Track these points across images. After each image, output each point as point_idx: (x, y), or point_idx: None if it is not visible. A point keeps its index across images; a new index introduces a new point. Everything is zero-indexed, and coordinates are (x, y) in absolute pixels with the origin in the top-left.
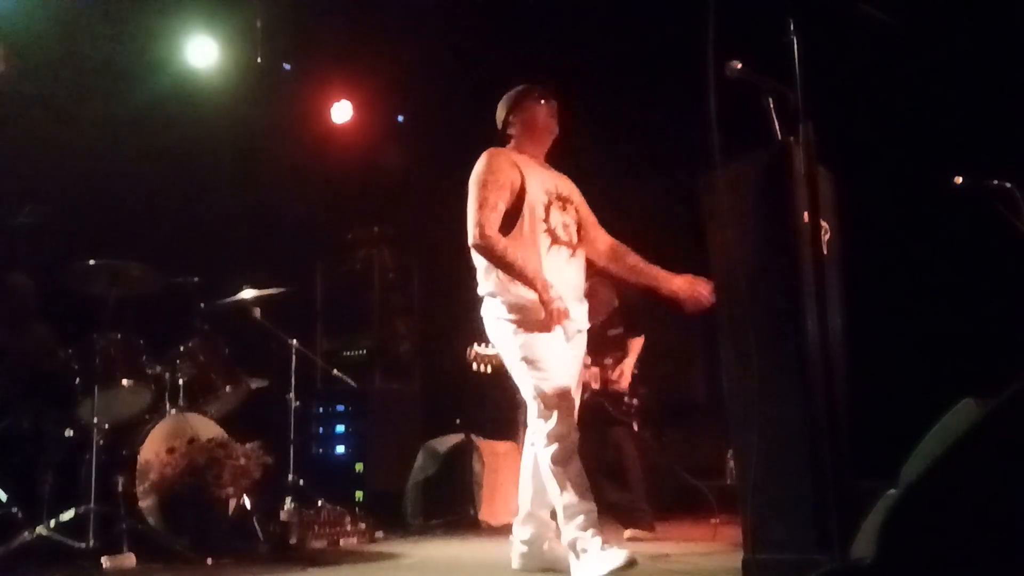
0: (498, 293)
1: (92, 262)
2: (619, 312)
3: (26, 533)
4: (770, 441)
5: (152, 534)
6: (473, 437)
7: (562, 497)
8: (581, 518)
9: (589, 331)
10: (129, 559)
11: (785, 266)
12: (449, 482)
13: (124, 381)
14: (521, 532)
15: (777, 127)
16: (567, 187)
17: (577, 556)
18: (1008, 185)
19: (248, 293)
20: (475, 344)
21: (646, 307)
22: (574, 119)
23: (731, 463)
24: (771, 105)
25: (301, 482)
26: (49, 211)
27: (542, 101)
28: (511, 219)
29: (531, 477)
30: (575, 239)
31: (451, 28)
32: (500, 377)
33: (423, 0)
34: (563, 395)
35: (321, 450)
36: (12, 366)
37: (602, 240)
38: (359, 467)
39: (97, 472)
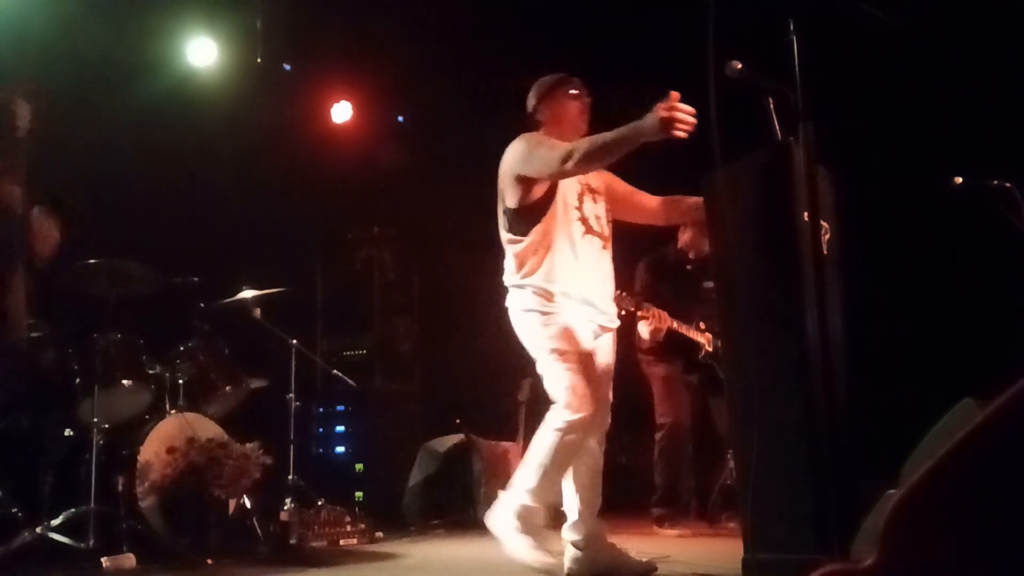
0: (526, 284)
1: (92, 262)
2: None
3: (26, 533)
4: (770, 441)
5: (152, 534)
6: (473, 437)
7: (534, 479)
8: (532, 507)
9: (685, 277)
10: (129, 559)
11: (785, 266)
12: (449, 482)
13: (124, 381)
14: (571, 534)
15: (777, 127)
16: (596, 180)
17: (515, 531)
18: (1008, 185)
19: (248, 293)
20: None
21: None
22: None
23: (731, 463)
24: (771, 105)
25: (301, 482)
26: (49, 210)
27: (573, 93)
28: (543, 206)
29: (572, 481)
30: (606, 231)
31: (451, 28)
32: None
33: (423, 0)
34: (592, 386)
35: (321, 450)
36: (12, 366)
37: (650, 199)
38: (359, 467)
39: (97, 472)
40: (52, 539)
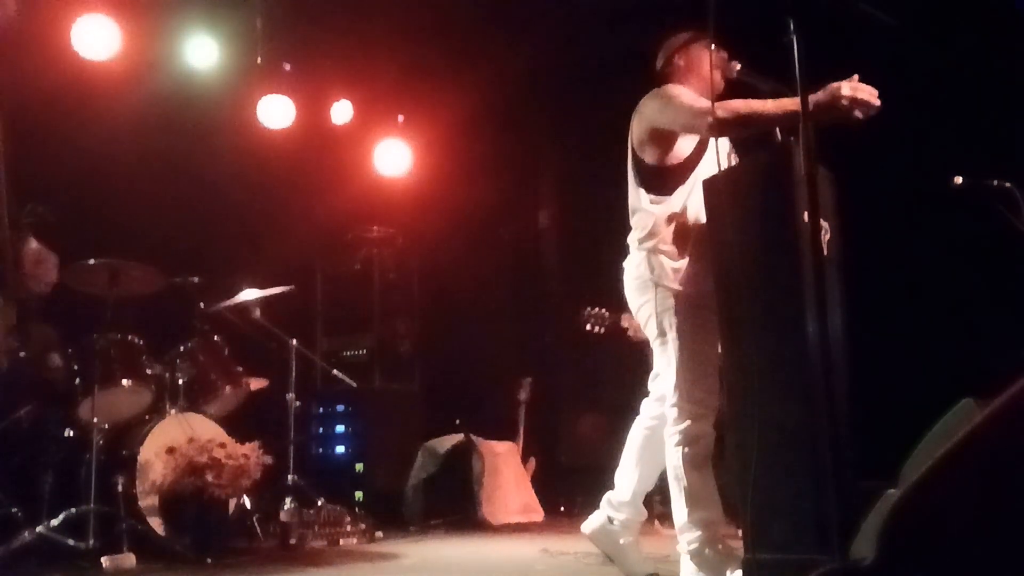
0: (667, 254)
1: (92, 262)
2: None
3: (26, 533)
4: (770, 441)
5: (152, 534)
6: (473, 437)
7: (688, 506)
8: (707, 531)
9: None
10: (129, 559)
11: (785, 266)
12: (449, 482)
13: (124, 381)
14: (614, 511)
15: (777, 128)
16: (726, 140)
17: (698, 568)
18: (1008, 185)
19: (248, 293)
20: (590, 307)
21: None
22: (574, 119)
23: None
24: None
25: (301, 482)
26: (50, 211)
27: (712, 47)
28: (691, 163)
29: (637, 460)
30: None
31: (451, 28)
32: (586, 349)
33: (423, 0)
34: (711, 392)
35: (321, 450)
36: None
37: None
38: (359, 467)
39: (97, 472)
40: (52, 539)
